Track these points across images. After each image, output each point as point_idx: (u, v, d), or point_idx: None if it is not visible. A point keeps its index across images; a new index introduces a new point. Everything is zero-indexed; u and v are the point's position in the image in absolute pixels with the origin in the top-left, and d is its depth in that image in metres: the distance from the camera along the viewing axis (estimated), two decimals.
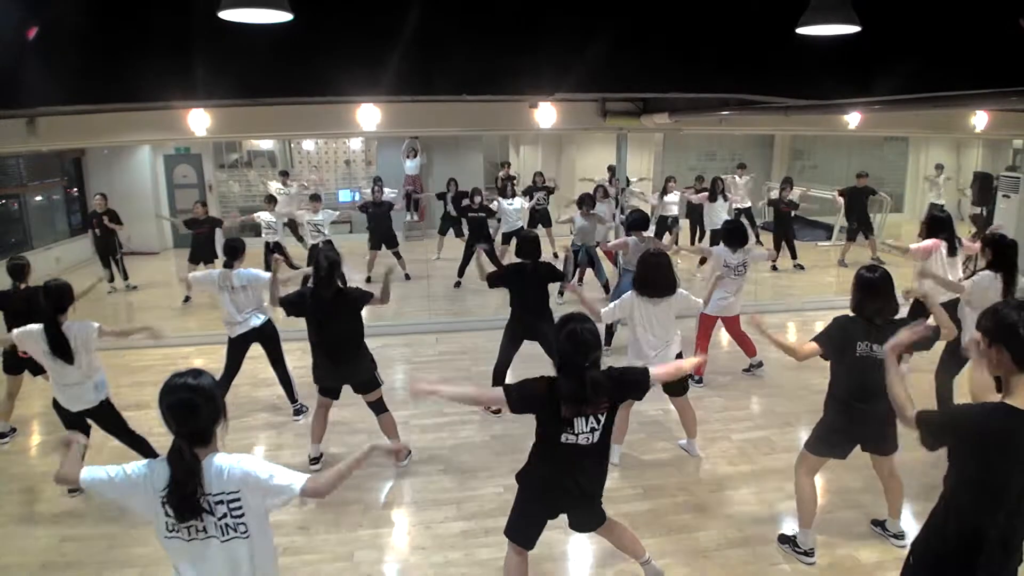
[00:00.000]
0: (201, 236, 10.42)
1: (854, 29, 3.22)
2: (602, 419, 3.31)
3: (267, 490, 2.57)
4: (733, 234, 6.85)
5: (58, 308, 4.72)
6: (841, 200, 11.91)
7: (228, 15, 3.06)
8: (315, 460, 5.52)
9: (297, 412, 6.51)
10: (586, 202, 9.53)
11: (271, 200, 11.25)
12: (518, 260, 6.22)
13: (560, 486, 3.46)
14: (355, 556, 4.44)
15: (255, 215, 11.02)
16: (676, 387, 5.42)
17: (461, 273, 11.00)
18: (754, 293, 10.37)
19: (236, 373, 6.40)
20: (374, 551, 4.50)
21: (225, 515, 2.53)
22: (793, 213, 12.09)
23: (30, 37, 3.73)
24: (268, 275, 6.16)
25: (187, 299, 10.31)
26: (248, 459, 2.61)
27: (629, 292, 5.23)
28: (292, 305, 5.20)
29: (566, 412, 3.21)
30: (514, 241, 6.43)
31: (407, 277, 11.53)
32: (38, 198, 13.15)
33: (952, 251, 6.30)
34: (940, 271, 6.20)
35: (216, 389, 2.61)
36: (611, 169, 12.69)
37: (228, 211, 15.00)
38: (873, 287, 3.94)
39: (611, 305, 5.29)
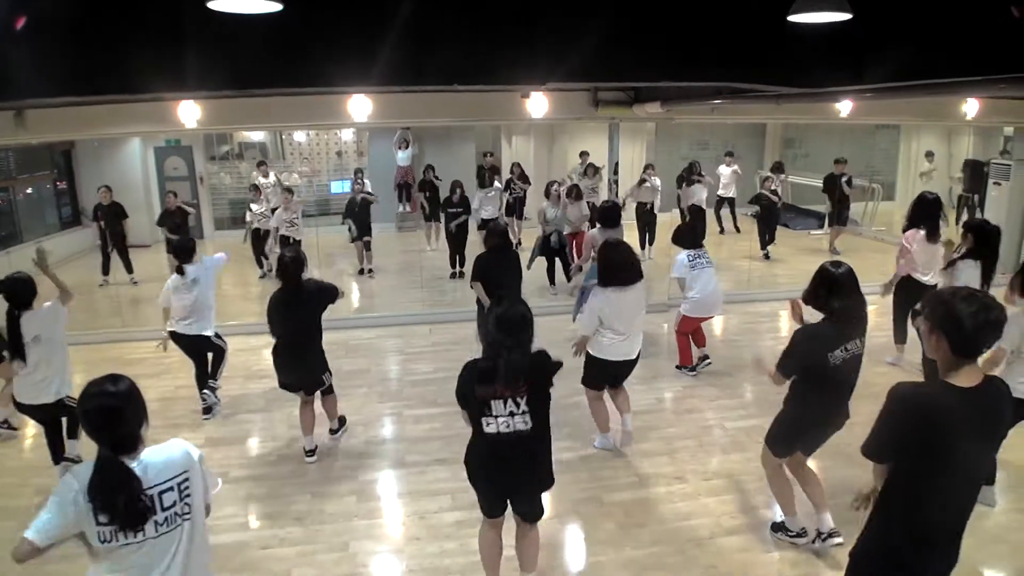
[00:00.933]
0: (173, 227, 10.37)
1: (846, 16, 3.22)
2: (521, 402, 3.24)
3: (202, 468, 2.60)
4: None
5: (22, 303, 4.72)
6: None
7: (218, 5, 3.04)
8: (310, 452, 5.49)
9: (206, 411, 6.31)
10: (572, 193, 9.85)
11: (255, 190, 11.38)
12: (486, 251, 6.40)
13: (490, 476, 3.48)
14: (350, 546, 4.45)
15: (251, 211, 11.10)
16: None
17: (454, 264, 11.02)
18: (746, 283, 10.42)
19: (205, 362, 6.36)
20: (369, 541, 4.51)
21: (175, 502, 2.45)
22: (780, 203, 12.19)
23: (18, 28, 3.70)
24: (221, 255, 6.45)
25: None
26: (182, 442, 2.58)
27: (594, 293, 5.11)
28: (272, 321, 5.25)
29: (479, 393, 3.21)
30: (484, 233, 6.52)
31: (370, 272, 11.48)
32: (28, 191, 13.05)
33: (933, 237, 6.28)
34: (921, 258, 6.31)
35: (136, 393, 2.48)
36: (583, 155, 12.90)
37: (220, 203, 15.00)
38: (837, 283, 3.75)
39: (583, 314, 5.29)
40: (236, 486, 5.16)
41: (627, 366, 5.32)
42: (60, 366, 4.91)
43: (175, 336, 6.15)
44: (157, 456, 2.46)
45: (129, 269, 11.07)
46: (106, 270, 10.97)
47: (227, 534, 4.58)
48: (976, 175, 11.66)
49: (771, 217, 12.08)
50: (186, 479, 2.49)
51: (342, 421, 5.90)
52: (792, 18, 3.28)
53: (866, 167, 14.52)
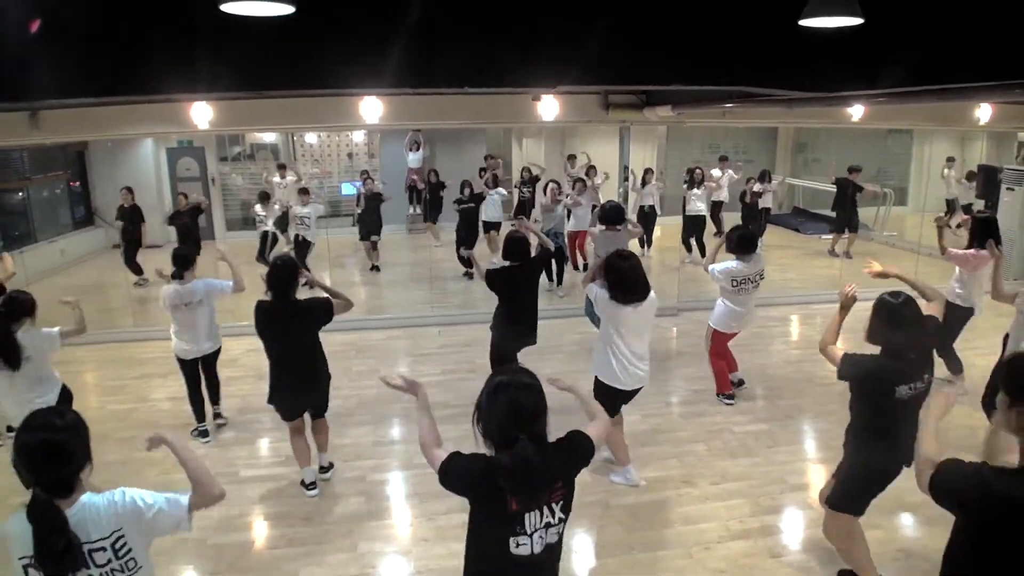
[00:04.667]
0: (183, 227, 10.42)
1: (857, 21, 3.21)
2: (557, 509, 2.43)
3: (152, 521, 2.30)
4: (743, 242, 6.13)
5: (12, 319, 4.54)
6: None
7: (230, 8, 3.06)
8: (311, 485, 5.09)
9: (202, 433, 5.96)
10: (576, 186, 10.05)
11: (265, 197, 11.38)
12: (507, 263, 5.78)
13: None
14: (359, 547, 4.46)
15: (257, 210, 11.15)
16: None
17: (463, 262, 11.02)
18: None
19: (199, 386, 6.01)
20: (377, 542, 4.52)
21: (110, 560, 2.23)
22: (761, 206, 12.38)
23: (33, 30, 3.74)
24: (228, 283, 5.78)
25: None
26: (122, 495, 2.28)
27: (605, 297, 4.69)
28: (257, 328, 4.76)
29: (516, 505, 2.36)
30: (503, 241, 6.03)
31: (376, 269, 11.74)
32: (42, 191, 13.16)
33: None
34: (987, 283, 5.89)
35: (84, 428, 2.28)
36: (571, 158, 12.99)
37: (232, 204, 15.06)
38: (900, 317, 3.42)
39: (595, 289, 4.77)
40: (244, 486, 5.18)
41: (635, 393, 4.94)
42: (50, 394, 4.72)
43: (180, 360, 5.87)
44: (89, 506, 2.22)
45: (138, 271, 10.88)
46: (137, 270, 10.81)
47: (235, 534, 4.60)
48: (990, 181, 11.58)
49: (754, 219, 12.17)
50: (120, 537, 2.24)
51: (332, 464, 5.41)
52: (804, 23, 3.27)
53: (878, 172, 14.46)
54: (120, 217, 10.81)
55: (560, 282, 10.27)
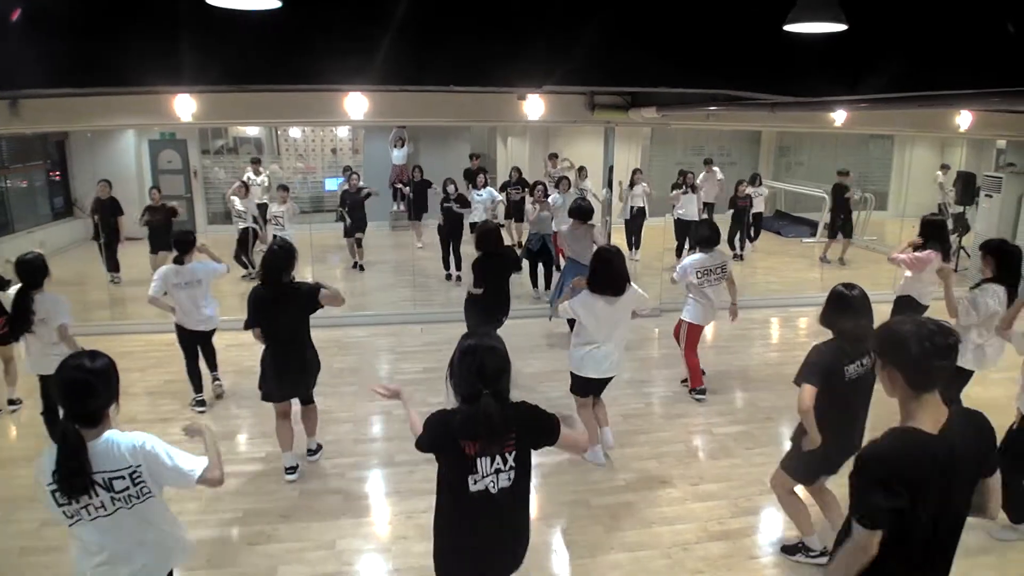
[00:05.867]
0: (157, 224, 10.10)
1: (841, 27, 3.24)
2: (509, 459, 2.76)
3: (165, 470, 2.62)
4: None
5: (35, 284, 5.01)
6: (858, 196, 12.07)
7: (217, 1, 3.03)
8: (291, 469, 5.19)
9: (199, 403, 6.35)
10: (536, 190, 9.91)
11: (243, 187, 11.03)
12: (481, 252, 6.27)
13: (471, 545, 2.88)
14: (337, 544, 4.45)
15: (232, 198, 10.76)
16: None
17: (448, 266, 10.96)
18: (740, 290, 10.45)
19: (197, 358, 6.39)
20: (356, 540, 4.51)
21: (127, 488, 2.56)
22: (754, 210, 12.41)
23: (13, 19, 3.69)
24: (223, 266, 6.48)
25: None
26: (146, 437, 2.62)
27: (584, 292, 4.99)
28: (252, 316, 4.88)
29: (470, 451, 2.71)
30: (476, 233, 6.55)
31: (360, 268, 11.60)
32: (20, 181, 13.00)
33: (946, 259, 5.96)
34: (930, 282, 6.04)
35: (113, 372, 2.63)
36: (552, 157, 13.11)
37: (214, 197, 14.93)
38: (848, 303, 3.80)
39: (567, 303, 5.11)
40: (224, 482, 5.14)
41: (605, 381, 5.29)
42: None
43: (180, 330, 6.23)
44: (113, 440, 2.55)
45: (115, 268, 10.74)
46: (110, 266, 10.66)
47: (213, 529, 4.57)
48: (968, 188, 11.75)
49: (742, 222, 12.32)
50: (137, 472, 2.57)
51: (320, 446, 5.58)
52: (788, 28, 3.30)
53: (859, 177, 14.61)
54: (96, 210, 10.50)
55: (548, 286, 9.79)
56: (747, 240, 12.61)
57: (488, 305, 6.33)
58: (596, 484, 5.15)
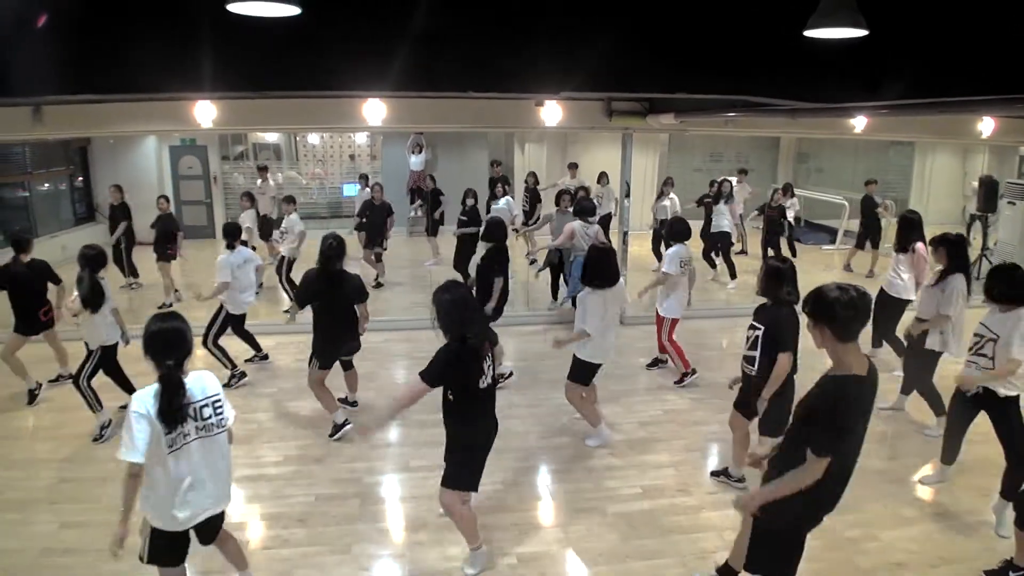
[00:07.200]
0: (162, 232, 9.87)
1: (862, 33, 3.22)
2: (490, 360, 3.96)
3: (227, 404, 3.36)
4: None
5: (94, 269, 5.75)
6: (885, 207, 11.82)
7: (236, 8, 3.06)
8: (343, 424, 5.85)
9: (242, 376, 7.09)
10: (563, 200, 9.81)
11: (249, 198, 10.44)
12: (489, 243, 6.77)
13: (489, 424, 4.08)
14: (353, 549, 4.45)
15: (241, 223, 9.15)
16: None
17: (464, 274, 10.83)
18: (753, 297, 10.38)
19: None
20: (372, 544, 4.52)
21: (210, 416, 3.23)
22: (784, 220, 11.97)
23: (39, 25, 3.73)
24: (259, 259, 7.39)
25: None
26: (212, 375, 3.35)
27: (585, 292, 5.50)
28: (306, 295, 5.85)
29: (483, 352, 3.87)
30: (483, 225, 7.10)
31: (379, 284, 11.10)
32: (44, 186, 13.17)
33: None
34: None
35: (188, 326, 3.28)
36: (572, 166, 13.01)
37: (233, 203, 14.99)
38: (783, 274, 4.76)
39: (586, 322, 5.42)
40: (240, 486, 5.15)
41: (598, 366, 5.69)
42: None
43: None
44: (197, 381, 3.22)
45: (133, 273, 10.77)
46: (127, 271, 10.65)
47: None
48: (990, 194, 11.62)
49: (776, 232, 11.90)
50: (218, 400, 3.28)
51: (356, 401, 6.51)
52: (808, 33, 3.28)
53: (880, 183, 14.47)
54: (112, 216, 10.46)
55: (555, 297, 9.62)
56: (791, 251, 12.02)
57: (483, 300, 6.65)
58: (612, 492, 5.12)
